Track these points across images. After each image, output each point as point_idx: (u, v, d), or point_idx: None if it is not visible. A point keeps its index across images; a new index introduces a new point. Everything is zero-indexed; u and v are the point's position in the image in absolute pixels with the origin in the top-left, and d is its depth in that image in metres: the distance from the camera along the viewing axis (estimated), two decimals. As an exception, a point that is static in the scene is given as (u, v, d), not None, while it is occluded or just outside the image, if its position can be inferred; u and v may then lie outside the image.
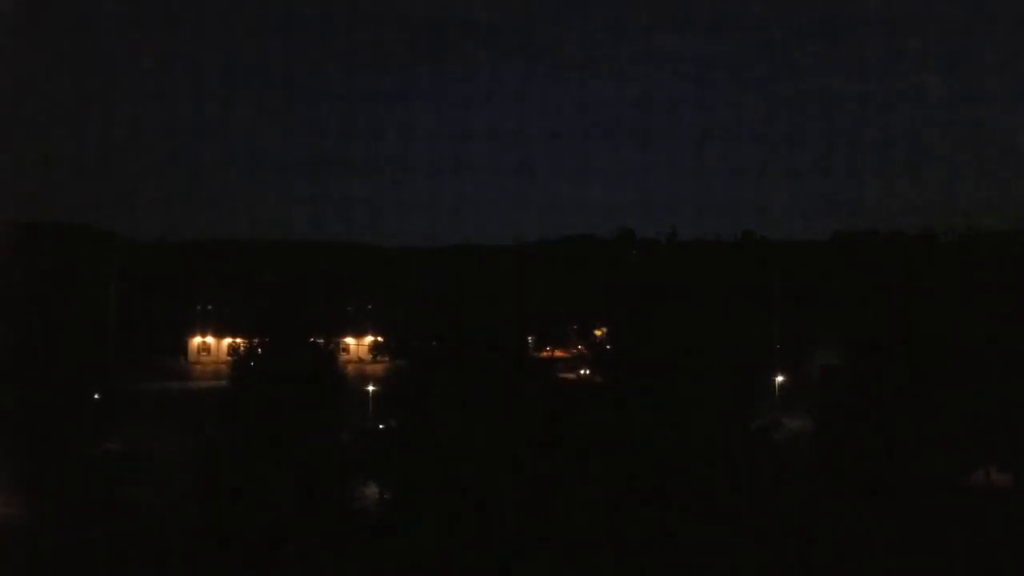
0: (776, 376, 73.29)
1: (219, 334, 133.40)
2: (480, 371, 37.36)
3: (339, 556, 35.46)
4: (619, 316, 41.10)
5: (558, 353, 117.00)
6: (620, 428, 36.17)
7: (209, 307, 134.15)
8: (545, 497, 34.99)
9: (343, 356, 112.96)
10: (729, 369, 38.70)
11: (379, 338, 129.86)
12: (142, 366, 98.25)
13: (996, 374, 43.98)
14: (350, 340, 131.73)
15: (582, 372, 66.60)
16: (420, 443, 37.08)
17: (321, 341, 41.73)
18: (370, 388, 67.98)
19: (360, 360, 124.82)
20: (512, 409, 36.48)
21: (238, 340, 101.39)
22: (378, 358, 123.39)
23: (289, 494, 35.74)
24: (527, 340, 63.97)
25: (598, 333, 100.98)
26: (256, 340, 39.71)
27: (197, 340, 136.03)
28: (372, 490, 39.88)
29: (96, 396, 63.88)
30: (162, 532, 41.16)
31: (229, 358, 77.78)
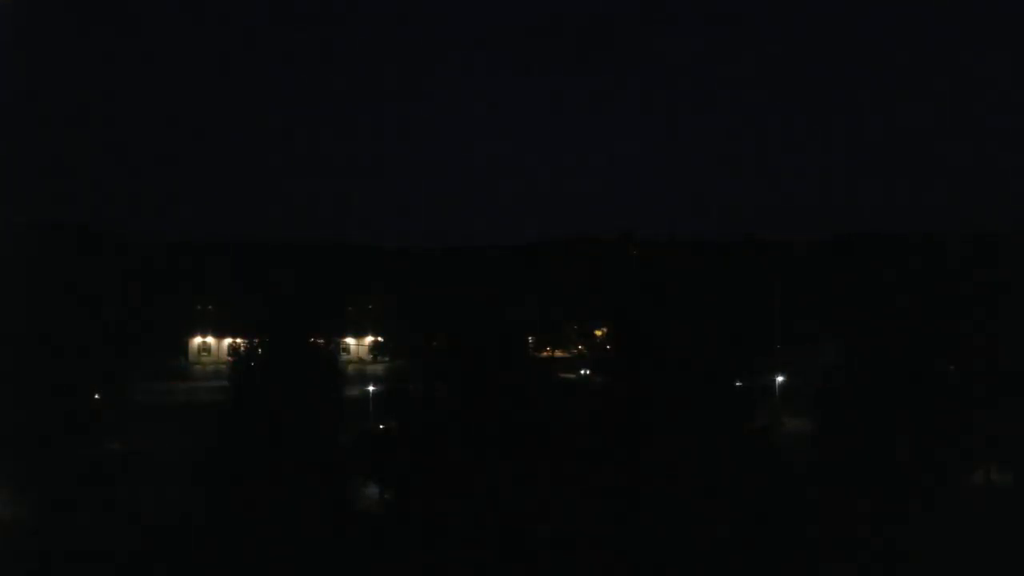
0: (776, 376, 73.31)
1: (219, 334, 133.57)
2: (480, 372, 37.36)
3: (339, 556, 35.47)
4: (619, 317, 41.04)
5: (558, 353, 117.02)
6: (620, 428, 36.17)
7: (209, 307, 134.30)
8: (545, 497, 35.00)
9: (343, 356, 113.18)
10: (730, 369, 38.69)
11: (379, 338, 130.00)
12: (143, 366, 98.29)
13: (996, 374, 44.06)
14: (350, 340, 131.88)
15: (582, 372, 66.65)
16: (420, 444, 37.09)
17: (321, 341, 41.69)
18: (370, 388, 68.04)
19: (360, 360, 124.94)
20: (512, 409, 36.48)
21: (238, 340, 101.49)
22: (378, 358, 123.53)
23: (289, 494, 35.74)
24: (527, 340, 63.93)
25: (598, 333, 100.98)
26: (256, 340, 39.61)
27: (197, 340, 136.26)
28: (372, 490, 39.94)
29: (97, 396, 63.92)
30: (161, 532, 41.21)
31: (229, 358, 77.76)
